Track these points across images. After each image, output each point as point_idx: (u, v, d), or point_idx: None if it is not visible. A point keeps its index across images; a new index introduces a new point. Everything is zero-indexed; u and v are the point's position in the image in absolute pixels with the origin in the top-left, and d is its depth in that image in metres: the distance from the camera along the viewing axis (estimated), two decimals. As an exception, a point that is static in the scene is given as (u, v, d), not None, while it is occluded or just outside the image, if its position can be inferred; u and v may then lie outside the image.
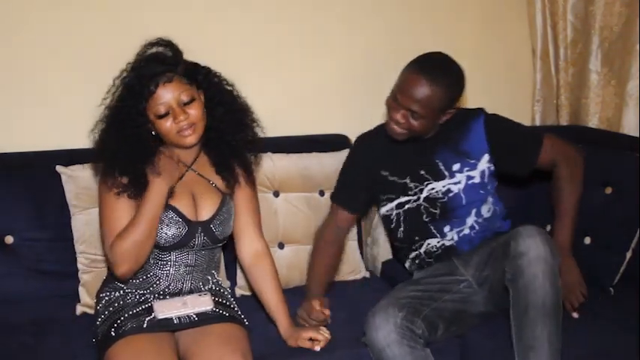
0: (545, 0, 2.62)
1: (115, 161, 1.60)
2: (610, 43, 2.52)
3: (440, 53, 1.89)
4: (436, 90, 1.77)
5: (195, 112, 1.62)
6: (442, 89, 1.78)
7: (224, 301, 1.73)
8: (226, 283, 2.06)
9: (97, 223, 1.75)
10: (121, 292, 1.69)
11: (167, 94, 1.60)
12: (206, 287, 1.75)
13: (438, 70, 1.81)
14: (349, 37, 2.42)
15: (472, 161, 1.93)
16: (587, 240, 2.13)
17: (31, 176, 1.99)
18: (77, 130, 2.06)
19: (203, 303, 1.66)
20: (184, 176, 1.69)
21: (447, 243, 1.96)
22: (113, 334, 1.56)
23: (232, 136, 1.72)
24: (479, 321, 1.87)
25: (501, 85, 2.71)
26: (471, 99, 2.68)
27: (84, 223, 1.93)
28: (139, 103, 1.60)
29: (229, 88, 1.74)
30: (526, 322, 1.63)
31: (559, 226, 1.93)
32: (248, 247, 1.80)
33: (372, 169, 1.99)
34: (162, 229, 1.62)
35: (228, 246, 2.01)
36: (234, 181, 1.75)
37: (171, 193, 1.64)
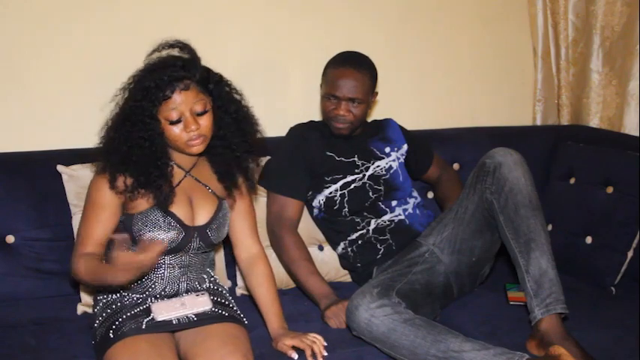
0: (546, -1, 2.62)
1: (126, 161, 1.59)
2: (611, 42, 2.52)
3: (346, 51, 2.08)
4: (364, 73, 2.01)
5: (206, 123, 1.62)
6: (367, 72, 2.02)
7: (222, 301, 1.73)
8: (227, 283, 2.06)
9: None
10: (119, 294, 1.69)
11: (182, 102, 1.58)
12: (203, 286, 1.74)
13: (356, 58, 2.04)
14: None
15: (397, 144, 2.18)
16: (589, 239, 2.13)
17: (32, 176, 1.98)
18: (78, 129, 2.06)
19: (201, 303, 1.65)
20: (182, 182, 1.69)
21: (397, 218, 2.05)
22: (112, 336, 1.56)
23: (237, 146, 1.72)
24: (447, 295, 1.95)
25: (502, 85, 2.72)
26: (472, 99, 2.69)
27: (84, 222, 1.93)
28: (153, 105, 1.57)
29: (238, 97, 1.72)
30: (520, 220, 1.78)
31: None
32: (245, 252, 1.82)
33: (316, 151, 2.06)
34: (159, 235, 1.61)
35: (229, 246, 2.01)
36: (235, 190, 1.75)
37: (170, 200, 1.64)
